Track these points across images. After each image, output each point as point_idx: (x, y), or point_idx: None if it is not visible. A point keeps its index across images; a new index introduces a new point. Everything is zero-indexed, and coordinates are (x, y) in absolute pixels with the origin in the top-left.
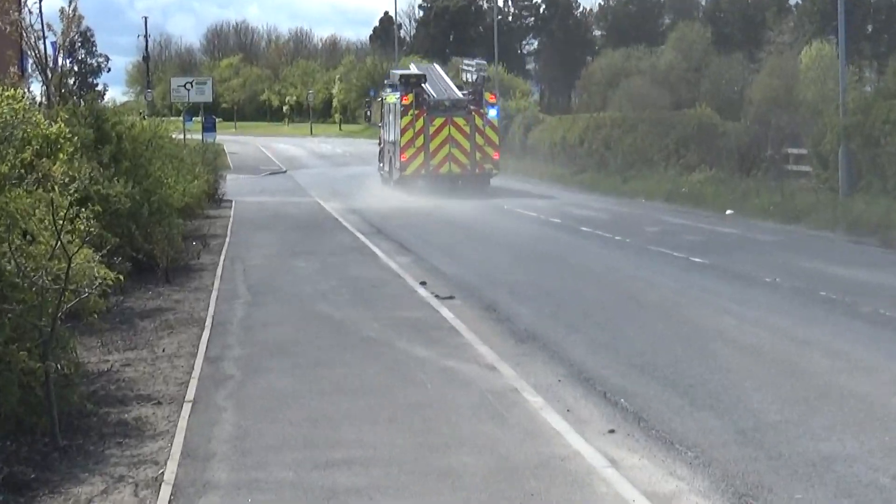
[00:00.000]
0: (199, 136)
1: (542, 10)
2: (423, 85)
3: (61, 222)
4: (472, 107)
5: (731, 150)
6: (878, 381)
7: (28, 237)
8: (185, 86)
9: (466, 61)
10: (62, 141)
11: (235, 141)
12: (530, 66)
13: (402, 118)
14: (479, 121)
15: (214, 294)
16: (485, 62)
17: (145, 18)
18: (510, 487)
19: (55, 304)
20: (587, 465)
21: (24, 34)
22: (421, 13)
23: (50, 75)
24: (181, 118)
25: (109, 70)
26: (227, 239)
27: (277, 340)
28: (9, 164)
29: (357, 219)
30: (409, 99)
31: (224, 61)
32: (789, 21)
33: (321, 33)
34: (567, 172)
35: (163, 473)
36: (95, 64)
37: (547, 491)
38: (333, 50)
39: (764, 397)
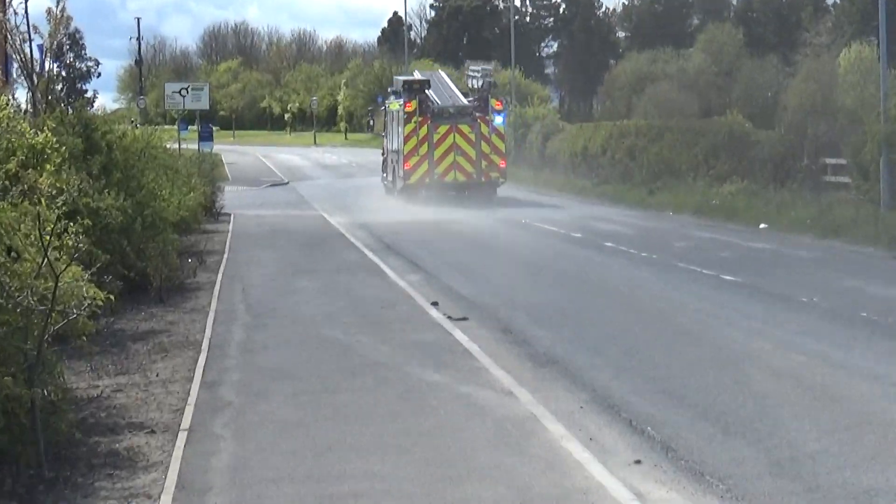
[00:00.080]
0: (195, 146)
1: (561, 11)
2: (426, 91)
3: (48, 238)
4: (477, 114)
5: (765, 159)
6: None
7: (12, 254)
8: (180, 92)
9: (472, 67)
10: (49, 151)
11: (234, 151)
12: (549, 70)
13: (405, 126)
14: (484, 128)
15: (211, 315)
16: (490, 67)
17: (138, 20)
18: None
19: (41, 326)
20: (611, 499)
21: (9, 36)
22: (433, 13)
23: (36, 81)
24: (176, 126)
25: (100, 75)
26: (226, 256)
27: (279, 365)
28: None
29: (364, 234)
30: (413, 106)
31: (222, 65)
32: (826, 21)
33: (326, 35)
34: (589, 184)
35: None
36: (85, 68)
37: None
38: (339, 53)
39: (801, 425)
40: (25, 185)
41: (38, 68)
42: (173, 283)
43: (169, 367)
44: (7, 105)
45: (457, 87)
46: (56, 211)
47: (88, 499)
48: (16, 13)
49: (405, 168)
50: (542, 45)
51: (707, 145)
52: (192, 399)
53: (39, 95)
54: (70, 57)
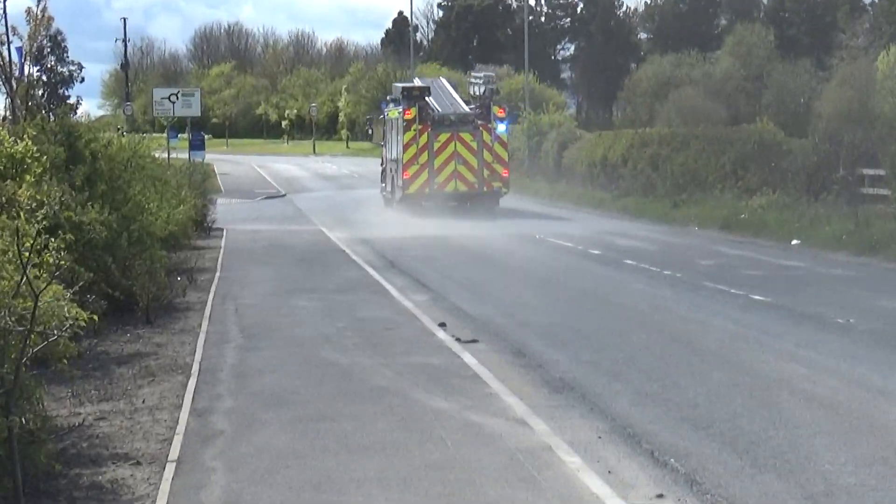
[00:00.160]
0: (185, 156)
1: (579, 10)
2: (426, 98)
3: (27, 254)
4: (479, 121)
5: (798, 170)
6: None
7: None
8: (169, 97)
9: (474, 73)
10: (29, 161)
11: (227, 160)
12: (565, 74)
13: (404, 134)
14: (486, 136)
15: (202, 337)
16: (493, 74)
17: (124, 20)
18: None
19: (19, 349)
20: None
21: None
22: (440, 13)
23: (15, 86)
24: (165, 135)
25: (83, 80)
26: (218, 273)
27: (275, 390)
28: None
29: (366, 250)
30: (412, 113)
31: (214, 69)
32: (864, 22)
33: (325, 37)
34: (608, 197)
35: None
36: (67, 73)
37: None
38: (340, 56)
39: (836, 457)
40: (3, 198)
41: (16, 72)
42: (161, 302)
43: (156, 393)
44: None
45: (459, 93)
46: (36, 225)
47: None
48: None
49: (404, 177)
50: (559, 47)
51: (735, 155)
52: (180, 428)
53: (19, 101)
54: (51, 60)
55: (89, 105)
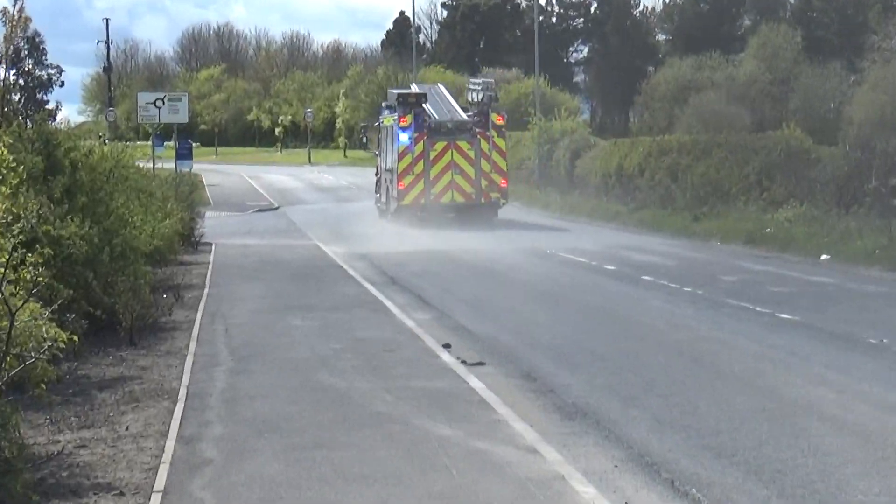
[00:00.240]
0: (171, 165)
1: (593, 10)
2: (423, 105)
3: (3, 270)
4: (477, 129)
5: (827, 181)
6: None
7: None
8: (154, 103)
9: (472, 80)
10: (4, 171)
11: (217, 170)
12: (578, 78)
13: (399, 142)
14: (485, 145)
15: (190, 359)
16: (491, 80)
17: (106, 21)
18: None
19: None
20: None
21: None
22: (444, 13)
23: None
24: (150, 143)
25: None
26: (206, 291)
27: (267, 416)
28: None
29: (365, 265)
30: (408, 120)
31: (203, 73)
32: None
33: (322, 38)
34: (624, 209)
35: None
36: (45, 76)
37: None
38: (337, 58)
39: (869, 487)
40: None
41: None
42: (146, 322)
43: (140, 419)
44: None
45: (460, 101)
46: (12, 240)
47: None
48: None
49: (399, 188)
50: (571, 49)
51: (760, 164)
52: (166, 456)
53: None
54: (29, 63)
55: (69, 111)
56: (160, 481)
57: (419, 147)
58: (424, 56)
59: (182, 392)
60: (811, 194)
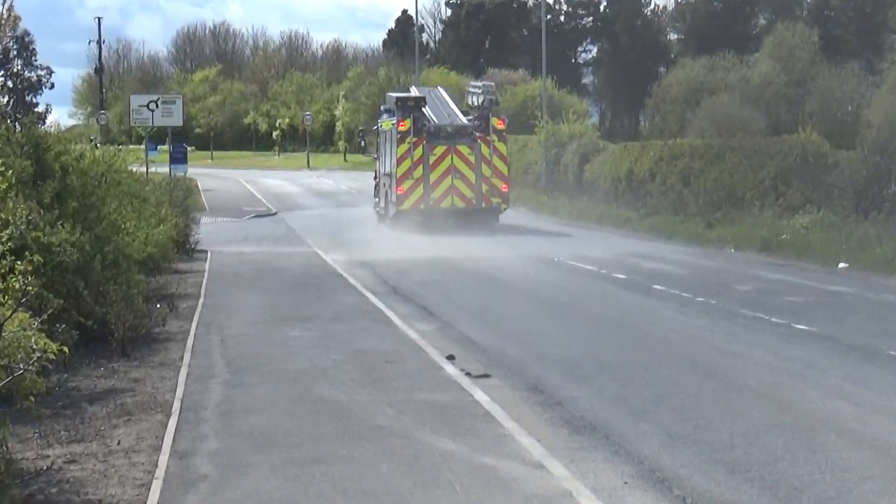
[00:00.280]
0: (165, 170)
1: (602, 9)
2: (422, 109)
3: None
4: (477, 133)
5: (845, 186)
6: None
7: None
8: (148, 105)
9: (473, 83)
10: None
11: (212, 175)
12: (587, 79)
13: (398, 146)
14: (485, 149)
15: (184, 371)
16: (492, 83)
17: (98, 20)
18: None
19: None
20: None
21: None
22: (448, 12)
23: None
24: (143, 147)
25: (53, 86)
26: (201, 300)
27: (264, 430)
28: None
29: (366, 273)
30: (407, 124)
31: (198, 74)
32: None
33: (321, 38)
34: (634, 215)
35: None
36: (35, 78)
37: None
38: (337, 59)
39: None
40: None
41: None
42: (139, 332)
43: (133, 433)
44: None
45: (460, 104)
46: (0, 247)
47: None
48: None
49: (398, 193)
50: (579, 49)
51: (776, 169)
52: (160, 472)
53: None
54: (18, 64)
55: (59, 113)
56: (153, 498)
57: (418, 151)
58: (427, 56)
59: (176, 405)
60: (828, 200)
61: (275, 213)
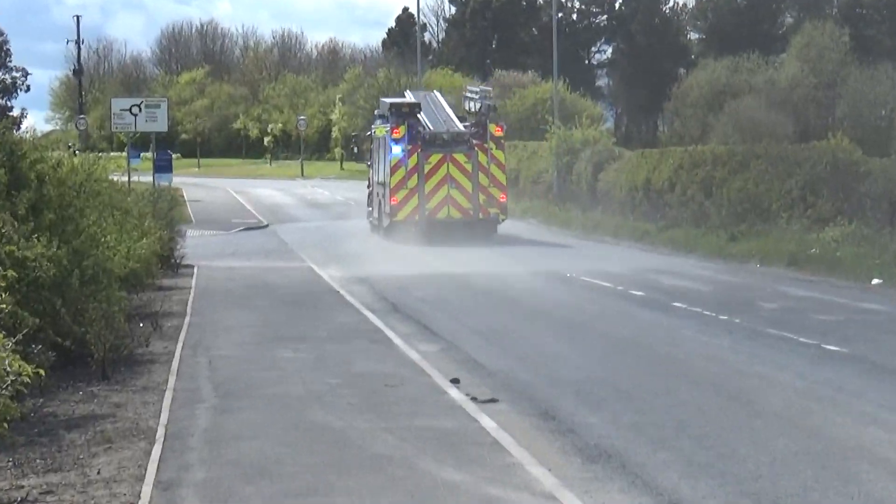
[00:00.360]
0: (149, 179)
1: (617, 6)
2: (417, 115)
3: None
4: (474, 141)
5: (879, 196)
6: None
7: None
8: (130, 109)
9: (470, 87)
10: None
11: (199, 184)
12: (602, 81)
13: (392, 155)
14: (482, 157)
15: (169, 395)
16: (489, 88)
17: (77, 18)
18: None
19: None
20: None
21: None
22: (453, 10)
23: None
24: (125, 154)
25: (28, 88)
26: (187, 319)
27: (255, 459)
28: None
29: (364, 290)
30: (401, 131)
31: (184, 76)
32: None
33: (316, 38)
34: (653, 228)
35: None
36: (9, 80)
37: None
38: (333, 60)
39: None
40: None
41: None
42: (120, 354)
43: (114, 462)
44: None
45: (457, 110)
46: None
47: None
48: None
49: (392, 203)
50: (593, 49)
51: (804, 178)
52: (142, 503)
53: None
54: None
55: (35, 118)
56: None
57: (413, 160)
58: (430, 57)
59: (160, 432)
60: (861, 211)
61: (266, 226)
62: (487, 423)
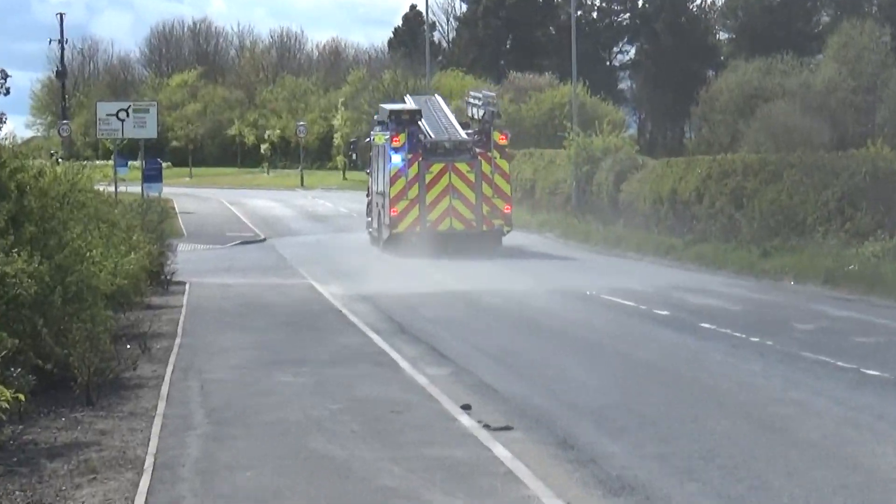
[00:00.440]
0: (137, 189)
1: (641, 4)
2: (418, 122)
3: None
4: (477, 149)
5: None
6: None
7: None
8: (117, 114)
9: (473, 93)
10: None
11: (191, 195)
12: (624, 84)
13: (392, 164)
14: (486, 166)
15: (158, 422)
16: (493, 94)
17: (61, 16)
18: None
19: None
20: None
21: None
22: (464, 8)
23: None
24: (111, 162)
25: (8, 91)
26: (178, 340)
27: (251, 492)
28: None
29: (368, 309)
30: (401, 140)
31: (175, 78)
32: None
33: (317, 37)
34: (679, 242)
35: None
36: None
37: None
38: (335, 61)
39: None
40: None
41: None
42: (106, 377)
43: (98, 493)
44: None
45: (457, 117)
46: None
47: None
48: None
49: (391, 214)
50: (615, 50)
51: (842, 189)
52: None
53: None
54: None
55: (15, 124)
56: None
57: (413, 169)
58: (440, 58)
59: (148, 461)
60: None
61: (263, 240)
62: (501, 452)
